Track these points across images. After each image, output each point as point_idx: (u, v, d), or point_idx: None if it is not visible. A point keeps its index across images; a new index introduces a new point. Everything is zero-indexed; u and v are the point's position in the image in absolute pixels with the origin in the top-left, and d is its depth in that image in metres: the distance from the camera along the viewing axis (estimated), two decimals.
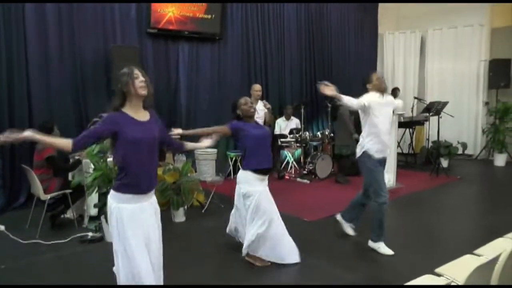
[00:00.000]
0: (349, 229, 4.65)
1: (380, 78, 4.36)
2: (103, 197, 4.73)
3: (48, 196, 4.85)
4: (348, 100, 4.17)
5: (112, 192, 2.72)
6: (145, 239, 2.69)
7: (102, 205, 4.62)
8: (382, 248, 4.19)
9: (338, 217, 4.74)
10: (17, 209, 5.83)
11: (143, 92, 2.72)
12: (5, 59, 5.79)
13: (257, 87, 6.75)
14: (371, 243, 4.28)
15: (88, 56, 6.56)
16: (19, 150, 5.92)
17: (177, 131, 3.56)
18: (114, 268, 2.77)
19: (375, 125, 4.20)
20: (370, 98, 4.22)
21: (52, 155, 4.96)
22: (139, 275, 2.62)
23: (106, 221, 4.50)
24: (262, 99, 6.91)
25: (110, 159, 4.91)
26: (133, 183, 2.66)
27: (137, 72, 2.72)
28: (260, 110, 6.60)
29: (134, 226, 2.64)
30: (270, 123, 7.12)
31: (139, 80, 2.71)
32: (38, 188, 4.84)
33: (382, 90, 4.27)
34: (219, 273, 3.87)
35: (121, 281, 2.71)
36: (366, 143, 4.25)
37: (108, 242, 4.57)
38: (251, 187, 3.88)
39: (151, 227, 2.75)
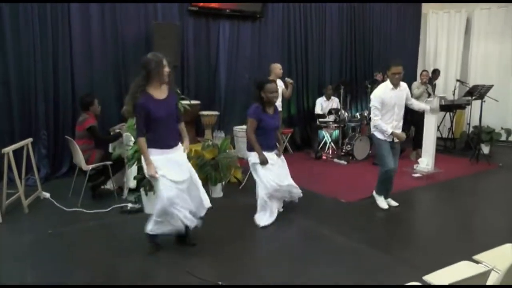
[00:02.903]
0: (383, 203, 5.04)
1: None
2: (142, 170, 4.87)
3: (90, 167, 5.02)
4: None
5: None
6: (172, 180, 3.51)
7: (141, 178, 4.76)
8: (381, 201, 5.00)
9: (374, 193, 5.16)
10: (60, 178, 6.10)
11: (167, 79, 3.51)
12: (50, 38, 6.00)
13: (280, 66, 7.10)
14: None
15: (129, 33, 6.67)
16: (63, 121, 6.15)
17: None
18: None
19: None
20: None
21: (93, 125, 5.13)
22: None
23: (146, 193, 4.65)
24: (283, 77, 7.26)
25: None
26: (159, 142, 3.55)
27: (165, 62, 3.44)
28: (279, 87, 6.89)
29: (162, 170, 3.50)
30: (288, 98, 7.59)
31: (166, 70, 3.45)
32: (80, 158, 5.01)
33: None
34: (251, 249, 3.95)
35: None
36: None
37: (147, 214, 4.74)
38: None
39: (178, 169, 3.57)
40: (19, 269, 3.47)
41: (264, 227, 4.34)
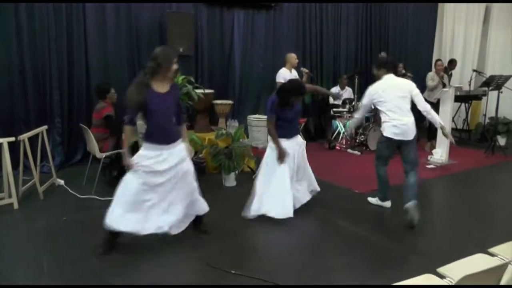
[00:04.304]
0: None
1: None
2: None
3: (104, 155, 5.05)
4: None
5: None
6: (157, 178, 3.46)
7: None
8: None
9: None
10: (74, 165, 6.17)
11: (172, 76, 3.48)
12: (65, 27, 6.04)
13: (296, 56, 6.97)
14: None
15: (144, 22, 6.68)
16: (77, 109, 6.20)
17: None
18: None
19: None
20: None
21: (110, 114, 5.16)
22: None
23: None
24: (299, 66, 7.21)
25: None
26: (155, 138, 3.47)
27: (176, 60, 3.40)
28: (294, 77, 6.90)
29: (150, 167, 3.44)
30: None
31: (174, 68, 3.40)
32: (94, 146, 5.04)
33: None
34: (264, 238, 3.95)
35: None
36: None
37: None
38: None
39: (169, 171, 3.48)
40: (34, 254, 3.51)
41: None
